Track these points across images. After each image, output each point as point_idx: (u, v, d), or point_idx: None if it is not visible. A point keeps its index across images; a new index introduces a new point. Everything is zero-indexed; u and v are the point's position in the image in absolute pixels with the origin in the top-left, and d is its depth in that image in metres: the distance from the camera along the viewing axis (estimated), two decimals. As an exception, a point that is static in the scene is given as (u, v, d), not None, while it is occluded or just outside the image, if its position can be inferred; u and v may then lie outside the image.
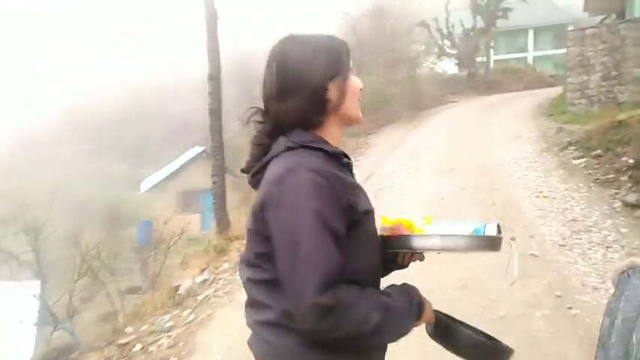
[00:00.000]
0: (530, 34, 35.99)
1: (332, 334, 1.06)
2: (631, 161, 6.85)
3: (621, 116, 8.05)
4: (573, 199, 6.52)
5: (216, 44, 7.01)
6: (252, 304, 1.24)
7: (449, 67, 29.19)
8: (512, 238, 5.11)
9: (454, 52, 26.79)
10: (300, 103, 1.17)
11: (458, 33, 26.89)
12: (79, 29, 44.07)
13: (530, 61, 33.33)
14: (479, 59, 27.06)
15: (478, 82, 25.67)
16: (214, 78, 7.00)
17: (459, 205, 6.70)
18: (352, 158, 1.31)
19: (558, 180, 7.48)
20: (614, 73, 12.44)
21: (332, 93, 1.19)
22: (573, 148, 8.91)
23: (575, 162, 8.06)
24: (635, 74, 12.11)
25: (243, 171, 1.28)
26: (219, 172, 7.23)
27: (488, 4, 25.59)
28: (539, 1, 31.81)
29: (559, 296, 3.84)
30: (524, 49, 35.54)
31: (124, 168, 28.21)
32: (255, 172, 1.23)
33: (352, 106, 1.25)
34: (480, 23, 25.74)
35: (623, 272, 1.16)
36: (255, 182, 1.23)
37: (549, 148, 9.56)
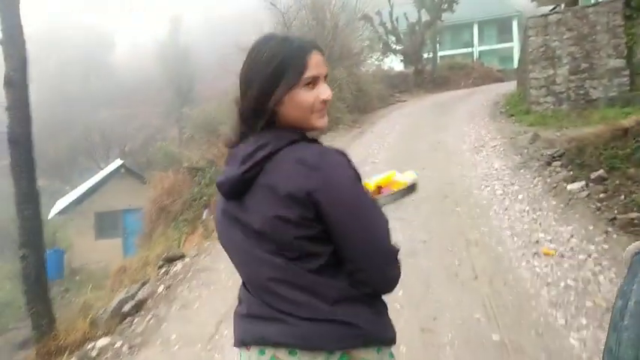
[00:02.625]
0: (475, 28, 34.39)
1: (397, 279, 1.21)
2: (661, 191, 4.58)
3: (627, 121, 5.79)
4: (590, 256, 4.15)
5: (17, 18, 4.11)
6: (297, 294, 1.14)
7: (395, 64, 27.08)
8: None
9: (400, 47, 24.63)
10: (247, 105, 1.21)
11: (402, 28, 24.79)
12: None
13: (476, 55, 31.65)
14: (425, 55, 25.04)
15: (426, 79, 23.62)
16: (14, 81, 4.08)
17: (418, 274, 4.20)
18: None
19: (555, 218, 5.12)
20: (584, 66, 10.34)
21: (272, 102, 1.18)
22: (559, 163, 6.63)
23: (570, 187, 5.74)
24: (610, 66, 10.04)
25: (228, 145, 1.25)
26: (31, 233, 4.30)
27: (433, -4, 23.57)
28: (482, -6, 30.22)
29: None
30: (470, 44, 33.86)
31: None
32: (251, 168, 1.16)
33: (298, 115, 1.21)
34: (425, 17, 23.65)
35: (636, 254, 1.07)
36: (244, 181, 1.17)
37: (526, 163, 7.24)
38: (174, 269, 5.11)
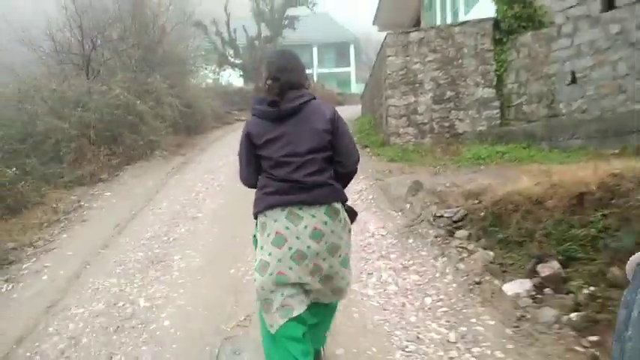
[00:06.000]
0: (315, 50, 33.24)
1: (356, 171, 2.33)
2: None
3: (585, 176, 3.65)
4: None
5: None
6: (317, 172, 2.12)
7: (234, 79, 24.13)
8: None
9: (238, 62, 21.84)
10: (292, 80, 2.19)
11: (242, 42, 22.04)
12: None
13: (315, 77, 30.31)
14: (266, 72, 22.54)
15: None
16: None
17: None
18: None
19: (516, 373, 2.65)
20: (449, 94, 8.61)
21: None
22: (465, 234, 4.31)
23: (509, 291, 3.38)
24: (478, 96, 8.43)
25: (274, 104, 2.14)
26: None
27: (272, 11, 21.27)
28: (320, 17, 28.97)
29: None
30: (310, 65, 32.54)
31: None
32: (301, 105, 2.16)
33: None
34: (266, 32, 21.26)
35: (639, 264, 1.00)
36: (290, 110, 2.14)
37: (414, 227, 4.83)
38: None
